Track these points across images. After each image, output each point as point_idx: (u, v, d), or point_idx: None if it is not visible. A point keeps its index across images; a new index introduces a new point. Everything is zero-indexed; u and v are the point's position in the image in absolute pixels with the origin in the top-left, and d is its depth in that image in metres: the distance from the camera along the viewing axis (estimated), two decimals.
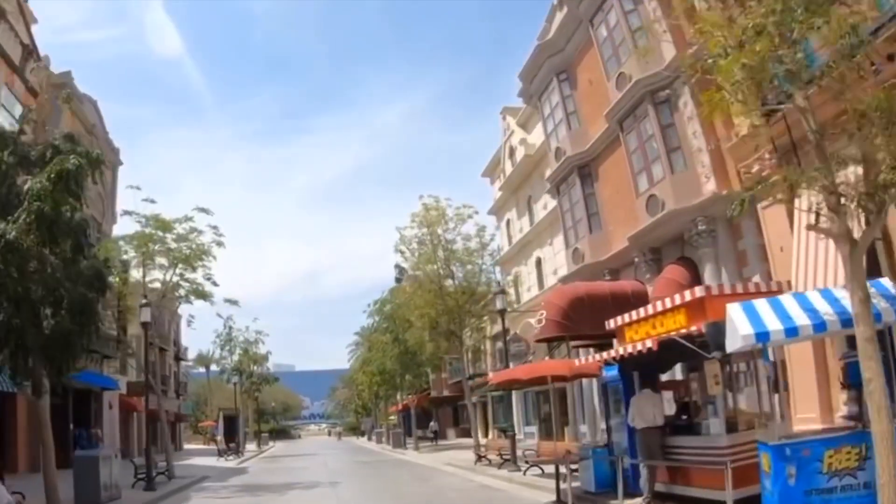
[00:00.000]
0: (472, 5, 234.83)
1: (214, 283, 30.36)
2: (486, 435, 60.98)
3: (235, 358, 56.68)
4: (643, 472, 14.78)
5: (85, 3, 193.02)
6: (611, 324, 17.34)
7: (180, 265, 29.42)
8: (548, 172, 39.46)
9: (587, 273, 29.43)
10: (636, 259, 27.05)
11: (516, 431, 49.43)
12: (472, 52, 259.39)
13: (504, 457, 26.03)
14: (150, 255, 29.24)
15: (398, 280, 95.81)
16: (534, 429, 45.55)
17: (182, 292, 30.14)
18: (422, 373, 50.85)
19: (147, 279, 30.26)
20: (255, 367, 58.01)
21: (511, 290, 44.63)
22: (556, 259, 41.08)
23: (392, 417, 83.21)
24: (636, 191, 26.61)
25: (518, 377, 21.84)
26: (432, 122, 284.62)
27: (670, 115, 25.21)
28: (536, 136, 44.36)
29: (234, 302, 31.58)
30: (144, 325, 27.06)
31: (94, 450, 43.44)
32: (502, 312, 27.42)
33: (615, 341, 17.96)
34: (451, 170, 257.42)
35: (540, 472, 22.34)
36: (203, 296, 30.19)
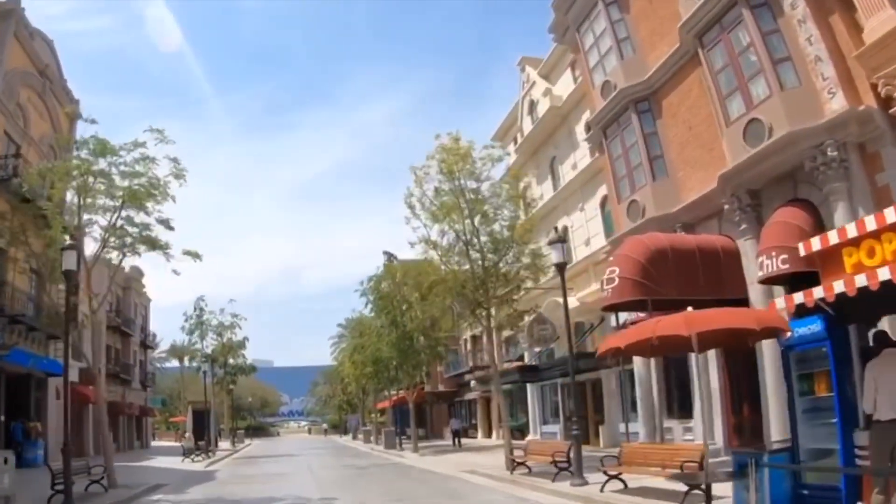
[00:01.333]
0: (459, 5, 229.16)
1: (169, 227, 23.33)
2: (488, 435, 54.58)
3: (207, 344, 49.80)
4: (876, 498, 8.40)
5: None
6: (813, 244, 10.73)
7: (126, 204, 22.40)
8: (580, 126, 33.44)
9: (650, 230, 22.87)
10: (726, 207, 20.76)
11: (531, 431, 43.40)
12: (458, 53, 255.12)
13: (559, 464, 19.34)
14: (85, 190, 22.17)
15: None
16: (555, 428, 39.07)
17: (128, 240, 23.05)
18: (421, 362, 44.23)
19: (86, 225, 23.10)
20: (230, 356, 51.01)
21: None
22: (588, 227, 34.79)
23: (377, 414, 76.69)
24: (725, 120, 20.82)
25: (674, 333, 11.49)
26: (416, 122, 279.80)
27: (773, 20, 19.21)
28: (563, 87, 38.10)
29: (195, 255, 23.81)
30: (67, 274, 20.08)
31: (33, 447, 36.96)
32: (561, 268, 20.63)
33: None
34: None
35: (621, 486, 15.78)
36: (155, 244, 23.13)
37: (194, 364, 50.34)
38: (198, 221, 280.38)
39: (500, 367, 47.64)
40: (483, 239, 26.20)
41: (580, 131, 36.12)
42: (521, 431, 47.45)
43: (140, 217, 22.77)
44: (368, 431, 64.48)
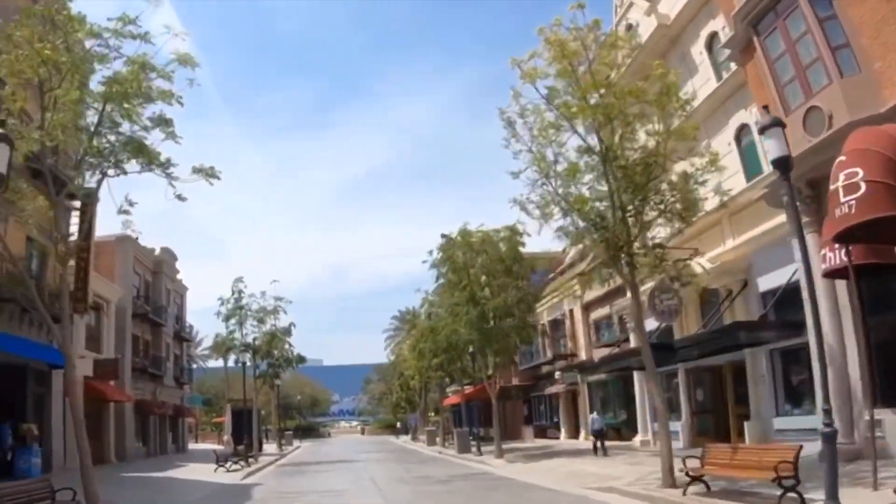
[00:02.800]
0: None
1: (172, 135, 15.60)
2: (573, 434, 46.54)
3: (247, 332, 42.17)
4: None
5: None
6: None
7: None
8: (697, 47, 25.78)
9: (839, 145, 14.65)
10: None
11: (640, 430, 35.32)
12: (501, 43, 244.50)
13: (783, 481, 11.28)
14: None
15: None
16: (675, 426, 30.82)
17: (107, 148, 15.35)
18: (508, 346, 36.39)
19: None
20: (274, 346, 43.27)
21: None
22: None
23: (439, 413, 68.88)
24: None
25: None
26: (460, 117, 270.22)
27: None
28: (668, 4, 30.14)
29: (210, 173, 15.77)
30: None
31: (26, 454, 29.67)
32: (783, 164, 12.39)
33: None
34: (481, 164, 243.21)
35: None
36: (149, 157, 15.39)
37: (238, 361, 42.77)
38: (240, 222, 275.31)
39: (593, 351, 40.31)
40: (628, 153, 18.10)
41: (697, 53, 28.52)
42: (617, 431, 39.52)
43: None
44: (433, 432, 56.59)
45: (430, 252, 35.54)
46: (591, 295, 44.19)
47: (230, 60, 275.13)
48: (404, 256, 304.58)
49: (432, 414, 71.85)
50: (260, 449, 50.95)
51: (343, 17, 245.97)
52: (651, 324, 30.57)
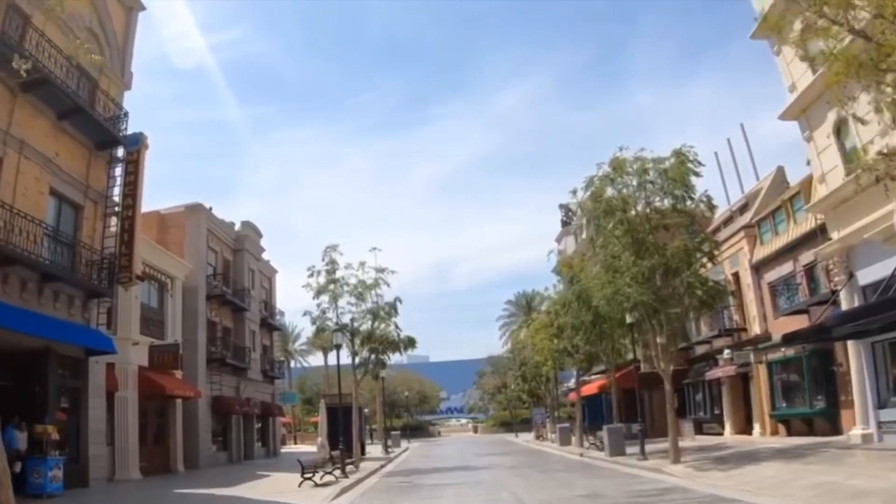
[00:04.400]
0: None
1: None
2: (741, 430, 37.21)
3: (342, 310, 33.92)
4: None
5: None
6: None
7: None
8: None
9: None
10: None
11: (857, 420, 25.70)
12: (590, 27, 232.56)
13: None
14: None
15: (565, 223, 72.93)
16: None
17: None
18: (684, 311, 26.29)
19: None
20: (376, 325, 34.78)
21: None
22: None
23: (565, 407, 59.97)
24: None
25: None
26: (554, 104, 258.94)
27: None
28: None
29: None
30: None
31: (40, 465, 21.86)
32: None
33: None
34: (577, 150, 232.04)
35: None
36: None
37: (332, 346, 34.48)
38: (341, 222, 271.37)
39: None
40: None
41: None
42: (807, 422, 31.59)
43: None
44: (568, 430, 47.41)
45: (573, 191, 26.50)
46: (762, 252, 34.86)
47: (321, 62, 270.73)
48: (508, 250, 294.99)
49: (559, 408, 62.81)
50: (362, 453, 43.00)
51: (427, 10, 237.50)
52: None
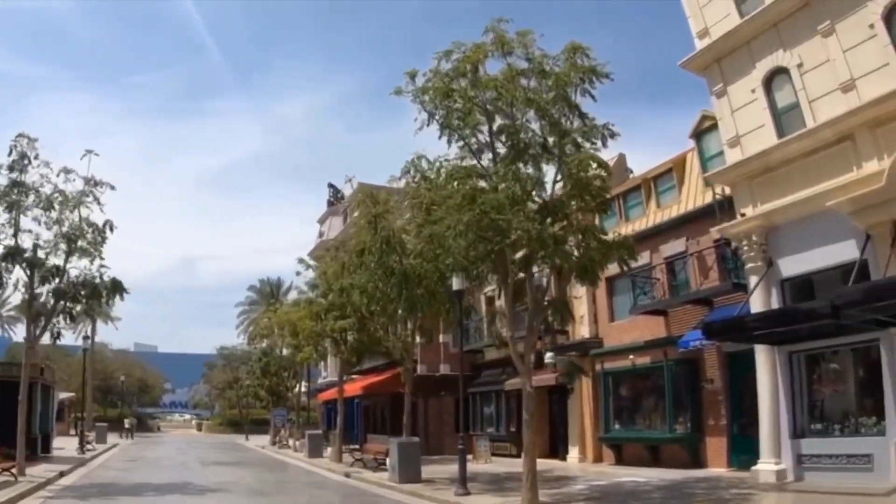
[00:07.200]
0: (397, 6, 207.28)
1: None
2: (580, 451, 30.26)
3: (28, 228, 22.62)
4: None
5: None
6: None
7: None
8: None
9: None
10: None
11: (763, 451, 18.55)
12: (387, 54, 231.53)
13: None
14: None
15: (331, 203, 64.98)
16: (827, 444, 15.44)
17: None
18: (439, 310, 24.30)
19: None
20: (74, 257, 23.47)
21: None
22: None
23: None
24: None
25: None
26: (335, 122, 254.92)
27: None
28: None
29: None
30: None
31: None
32: None
33: None
34: (355, 169, 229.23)
35: None
36: None
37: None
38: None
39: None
40: None
41: None
42: (651, 450, 25.67)
43: None
44: (321, 438, 38.53)
45: (405, 85, 17.70)
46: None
47: (115, 31, 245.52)
48: (260, 254, 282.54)
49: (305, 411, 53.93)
50: (46, 451, 31.76)
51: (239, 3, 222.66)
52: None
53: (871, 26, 16.34)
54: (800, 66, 18.21)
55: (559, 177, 16.72)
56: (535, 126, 16.70)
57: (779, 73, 19.06)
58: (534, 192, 16.43)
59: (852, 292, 14.67)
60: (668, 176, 26.86)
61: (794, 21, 18.31)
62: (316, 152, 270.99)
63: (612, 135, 16.82)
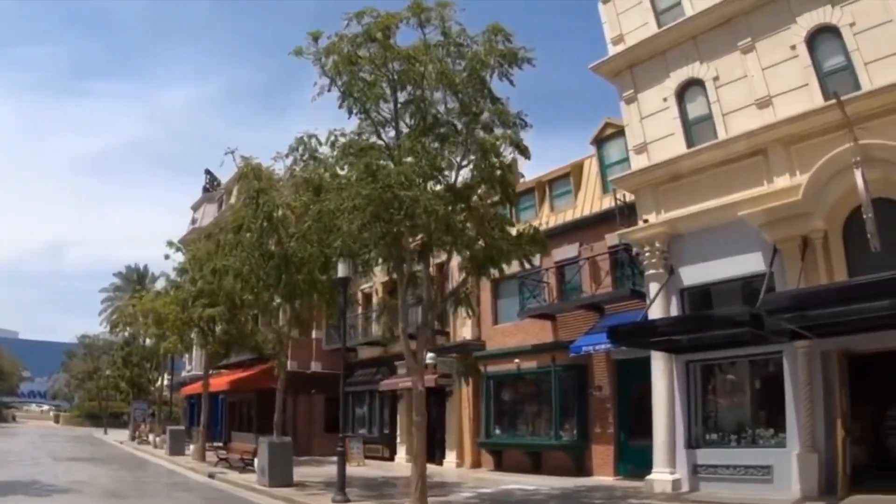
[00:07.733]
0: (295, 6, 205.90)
1: None
2: (458, 456, 29.30)
3: None
4: None
5: None
6: None
7: None
8: None
9: None
10: None
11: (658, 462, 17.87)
12: (278, 54, 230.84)
13: None
14: None
15: (207, 189, 62.50)
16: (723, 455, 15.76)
17: None
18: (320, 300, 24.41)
19: None
20: None
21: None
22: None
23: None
24: None
25: None
26: (217, 116, 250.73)
27: None
28: None
29: None
30: None
31: None
32: None
33: None
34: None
35: None
36: None
37: None
38: None
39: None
40: None
41: None
42: (533, 456, 25.31)
43: None
44: (183, 434, 36.49)
45: (305, 46, 16.35)
46: None
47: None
48: (131, 242, 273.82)
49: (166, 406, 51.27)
50: None
51: None
52: None
53: (793, 47, 16.59)
54: (716, 79, 18.30)
55: (465, 161, 15.85)
56: (444, 106, 15.80)
57: (693, 84, 19.02)
58: (444, 172, 15.48)
59: (779, 299, 14.39)
60: (565, 180, 26.70)
61: (713, 35, 18.40)
62: (196, 144, 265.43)
63: (525, 125, 16.14)
